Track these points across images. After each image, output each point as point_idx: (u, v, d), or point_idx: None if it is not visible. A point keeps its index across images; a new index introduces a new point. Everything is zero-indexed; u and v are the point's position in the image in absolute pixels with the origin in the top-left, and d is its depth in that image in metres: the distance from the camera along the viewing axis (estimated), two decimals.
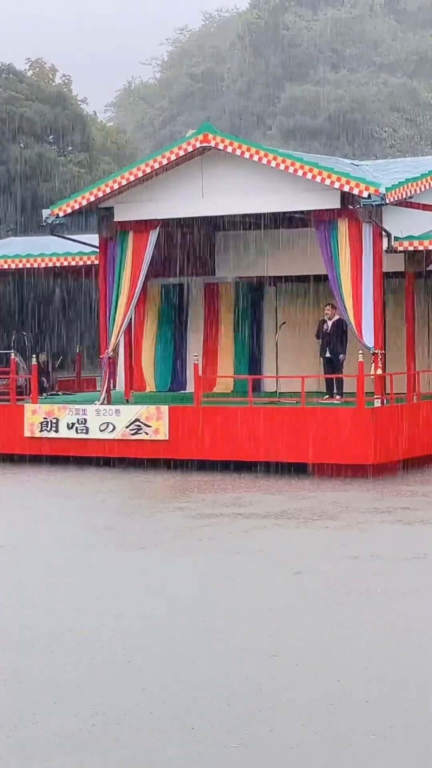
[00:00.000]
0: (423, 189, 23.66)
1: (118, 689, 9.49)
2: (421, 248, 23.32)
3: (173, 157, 23.79)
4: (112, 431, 23.82)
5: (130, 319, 25.66)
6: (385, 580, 13.26)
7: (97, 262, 25.90)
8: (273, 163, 22.99)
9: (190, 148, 23.65)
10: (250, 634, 11.11)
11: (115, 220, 24.84)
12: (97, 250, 25.62)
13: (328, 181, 22.54)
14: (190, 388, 25.60)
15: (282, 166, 22.90)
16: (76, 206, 24.88)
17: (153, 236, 24.66)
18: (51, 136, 54.31)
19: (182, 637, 10.98)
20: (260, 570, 14.05)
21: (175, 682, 9.60)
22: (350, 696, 9.21)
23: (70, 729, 8.58)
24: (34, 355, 26.49)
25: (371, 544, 15.48)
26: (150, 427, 23.48)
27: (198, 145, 23.56)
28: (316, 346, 24.96)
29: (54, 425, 24.43)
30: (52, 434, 24.45)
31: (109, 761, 7.99)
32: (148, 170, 24.05)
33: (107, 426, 23.87)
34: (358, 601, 12.31)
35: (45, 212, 25.46)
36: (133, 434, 23.63)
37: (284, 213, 24.75)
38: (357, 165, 27.12)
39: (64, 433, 24.30)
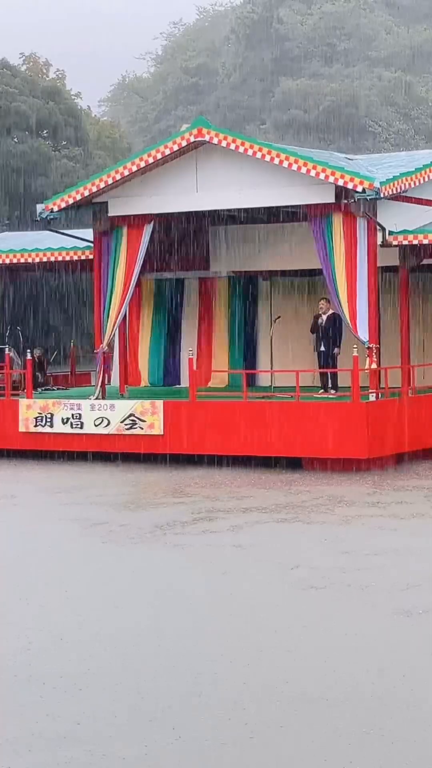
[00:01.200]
0: (417, 183, 23.65)
1: (117, 690, 9.48)
2: (415, 242, 23.30)
3: (167, 152, 23.77)
4: (106, 426, 23.80)
5: (125, 313, 25.64)
6: (383, 575, 13.25)
7: (91, 256, 25.84)
8: (267, 158, 22.96)
9: (184, 143, 23.63)
10: (247, 629, 11.10)
11: (110, 214, 24.81)
12: (92, 244, 25.58)
13: (322, 176, 22.51)
14: (185, 382, 25.57)
15: (276, 160, 22.88)
16: (71, 201, 24.85)
17: (147, 231, 24.64)
18: (45, 131, 54.25)
19: (179, 634, 10.96)
20: (257, 565, 14.04)
21: (173, 680, 9.59)
22: (349, 690, 9.20)
23: (70, 729, 8.57)
24: (28, 350, 26.45)
25: (368, 539, 15.47)
26: (145, 421, 23.46)
27: (192, 139, 23.53)
28: (311, 341, 24.95)
29: (49, 420, 24.41)
30: (47, 429, 24.42)
31: (107, 763, 7.98)
32: (143, 165, 24.02)
33: (102, 421, 23.85)
34: (356, 596, 12.30)
35: (39, 207, 25.42)
36: (127, 429, 23.61)
37: (279, 207, 24.73)
38: (351, 159, 27.10)
39: (58, 428, 24.28)
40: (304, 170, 22.62)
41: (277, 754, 7.95)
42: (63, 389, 28.66)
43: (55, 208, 24.99)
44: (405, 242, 23.29)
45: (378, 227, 22.81)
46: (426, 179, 23.96)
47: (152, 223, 24.66)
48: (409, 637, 10.72)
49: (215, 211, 25.47)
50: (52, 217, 25.15)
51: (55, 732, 8.42)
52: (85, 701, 9.09)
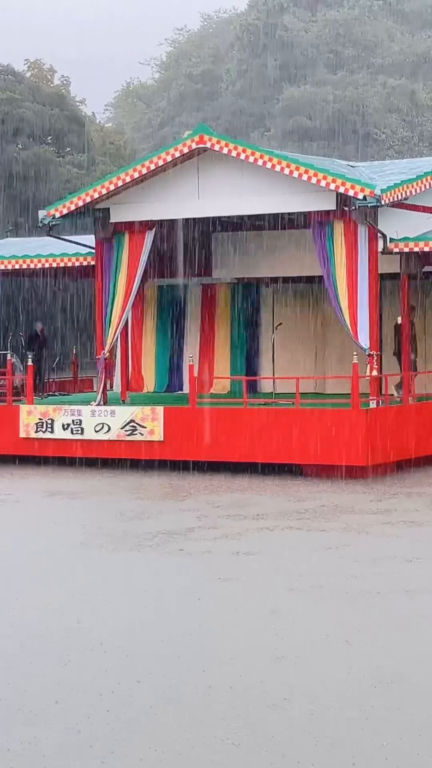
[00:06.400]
0: (419, 190, 23.67)
1: (119, 692, 9.48)
2: (416, 250, 23.31)
3: (169, 159, 23.81)
4: (107, 432, 23.81)
5: (127, 320, 25.67)
6: (386, 581, 13.24)
7: (93, 263, 25.89)
8: (269, 165, 23.00)
9: (185, 150, 23.67)
10: (252, 636, 11.08)
11: (112, 221, 24.85)
12: (94, 251, 25.62)
13: (323, 183, 22.55)
14: (187, 388, 25.60)
15: (278, 168, 22.91)
16: (73, 207, 24.89)
17: (149, 237, 24.68)
18: (49, 137, 54.34)
19: (183, 641, 10.95)
20: (260, 572, 14.02)
21: (178, 685, 9.59)
22: (353, 695, 9.20)
23: (69, 732, 8.58)
24: (29, 356, 26.44)
25: (370, 546, 15.48)
26: (145, 428, 23.47)
27: (194, 146, 23.58)
28: (312, 347, 24.98)
29: (49, 426, 24.42)
30: (48, 435, 24.44)
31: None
32: (144, 171, 24.07)
33: (102, 427, 23.87)
34: (359, 602, 12.29)
35: (41, 213, 25.45)
36: (128, 435, 23.62)
37: (280, 214, 24.76)
38: (353, 166, 27.13)
39: (59, 433, 24.30)
40: (305, 177, 22.66)
41: (280, 758, 7.95)
42: (65, 395, 28.67)
43: (57, 215, 25.03)
44: (406, 249, 23.30)
45: (379, 234, 22.84)
46: (427, 186, 23.99)
47: (154, 229, 24.70)
48: (415, 643, 10.70)
49: (217, 217, 25.51)
50: (53, 223, 25.19)
51: (63, 739, 8.43)
52: (83, 706, 9.09)
